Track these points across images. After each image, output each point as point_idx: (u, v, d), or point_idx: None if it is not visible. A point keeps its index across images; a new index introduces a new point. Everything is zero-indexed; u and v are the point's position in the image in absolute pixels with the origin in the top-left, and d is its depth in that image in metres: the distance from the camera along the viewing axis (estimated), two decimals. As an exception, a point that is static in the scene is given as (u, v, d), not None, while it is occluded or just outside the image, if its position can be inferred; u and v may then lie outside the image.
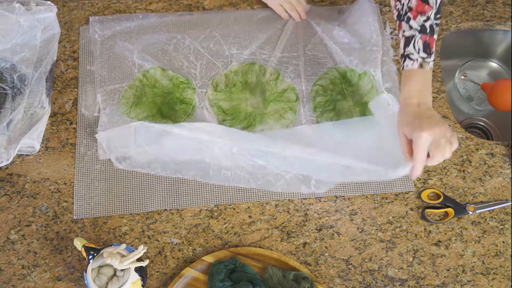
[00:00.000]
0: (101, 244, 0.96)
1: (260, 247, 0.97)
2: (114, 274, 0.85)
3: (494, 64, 1.34)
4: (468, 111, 1.34)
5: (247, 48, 1.15)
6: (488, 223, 1.01)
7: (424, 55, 0.88)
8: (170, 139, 1.01)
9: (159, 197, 1.00)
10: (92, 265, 0.85)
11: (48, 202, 0.99)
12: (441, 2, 0.90)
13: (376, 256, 0.97)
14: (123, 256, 0.84)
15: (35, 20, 1.11)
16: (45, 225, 0.97)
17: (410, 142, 0.86)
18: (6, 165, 1.01)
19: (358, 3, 1.18)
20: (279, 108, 1.09)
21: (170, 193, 1.01)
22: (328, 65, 1.14)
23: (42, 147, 1.04)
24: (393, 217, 1.01)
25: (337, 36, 1.16)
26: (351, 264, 0.97)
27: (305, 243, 0.98)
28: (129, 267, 0.84)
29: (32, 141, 1.01)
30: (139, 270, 0.86)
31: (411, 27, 0.89)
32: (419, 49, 0.88)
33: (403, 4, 0.91)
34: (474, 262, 0.98)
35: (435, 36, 0.90)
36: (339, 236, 0.99)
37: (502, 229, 1.01)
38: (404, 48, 0.90)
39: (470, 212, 1.00)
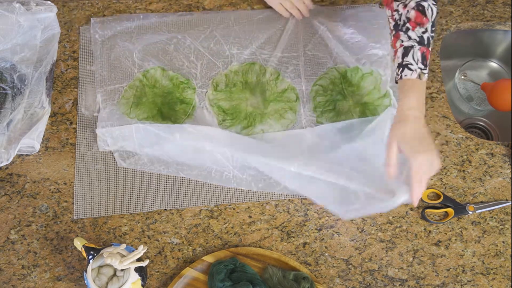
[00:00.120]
0: (101, 244, 0.96)
1: (260, 247, 0.97)
2: (114, 274, 0.85)
3: (494, 64, 1.34)
4: (468, 111, 1.34)
5: (247, 48, 1.15)
6: (488, 223, 1.01)
7: (422, 66, 0.89)
8: (170, 141, 1.01)
9: (159, 197, 1.00)
10: (92, 265, 0.85)
11: (48, 202, 0.99)
12: (436, 15, 0.90)
13: (376, 256, 0.97)
14: (123, 256, 0.84)
15: (35, 20, 1.11)
16: (45, 225, 0.97)
17: (396, 155, 0.86)
18: (6, 165, 1.01)
19: (366, 6, 1.20)
20: (279, 108, 1.09)
21: (170, 193, 1.01)
22: (328, 65, 1.14)
23: (42, 147, 1.04)
24: (393, 217, 1.01)
25: (343, 34, 1.17)
26: (351, 264, 0.97)
27: (305, 243, 0.98)
28: (129, 267, 0.84)
29: (32, 141, 1.01)
30: (139, 270, 0.86)
31: (409, 38, 0.89)
32: (417, 60, 0.89)
33: (401, 14, 0.91)
34: (474, 262, 0.98)
35: (430, 49, 0.91)
36: (339, 236, 0.99)
37: (502, 229, 1.01)
38: (403, 58, 0.90)
39: (470, 212, 1.00)
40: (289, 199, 1.01)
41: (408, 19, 0.89)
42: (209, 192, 1.01)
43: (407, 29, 0.90)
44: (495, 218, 1.01)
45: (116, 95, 1.09)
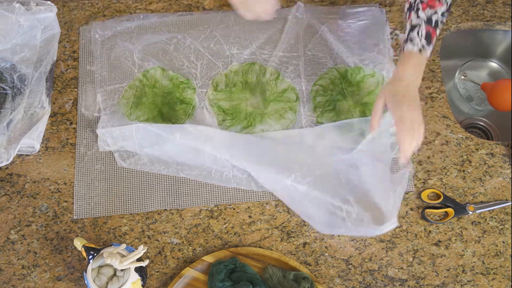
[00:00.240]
0: (101, 244, 0.96)
1: (260, 247, 0.97)
2: (114, 274, 0.85)
3: (494, 64, 1.34)
4: (468, 111, 1.34)
5: (247, 48, 1.15)
6: (488, 223, 1.01)
7: (425, 42, 0.92)
8: (170, 141, 1.01)
9: (159, 197, 1.00)
10: (92, 265, 0.85)
11: (48, 202, 0.99)
12: (451, 3, 0.94)
13: (376, 256, 0.97)
14: (123, 256, 0.84)
15: (35, 20, 1.11)
16: (45, 225, 0.97)
17: (382, 110, 0.94)
18: (6, 165, 1.01)
19: (366, 6, 1.20)
20: (279, 108, 1.09)
21: (170, 193, 1.01)
22: (328, 65, 1.14)
23: (42, 147, 1.04)
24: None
25: (343, 35, 1.17)
26: (351, 264, 0.97)
27: (305, 243, 0.98)
28: (129, 267, 0.84)
29: (32, 141, 1.01)
30: (139, 270, 0.86)
31: (418, 17, 0.93)
32: (421, 36, 0.92)
33: None
34: (474, 262, 0.98)
35: (438, 32, 0.94)
36: (339, 236, 0.99)
37: (502, 229, 1.01)
38: (408, 34, 0.94)
39: (470, 212, 1.00)
40: (289, 199, 1.01)
41: (421, 1, 0.93)
42: (209, 192, 1.01)
43: (418, 9, 0.93)
44: (495, 218, 1.01)
45: (116, 95, 1.09)
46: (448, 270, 0.97)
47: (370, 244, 0.98)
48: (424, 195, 1.02)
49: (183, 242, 0.97)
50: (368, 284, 0.95)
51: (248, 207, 1.00)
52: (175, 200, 1.00)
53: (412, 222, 1.00)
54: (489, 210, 1.02)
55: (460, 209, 1.00)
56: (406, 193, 1.03)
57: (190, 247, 0.97)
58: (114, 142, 1.02)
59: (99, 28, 1.15)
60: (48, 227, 0.97)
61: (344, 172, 1.00)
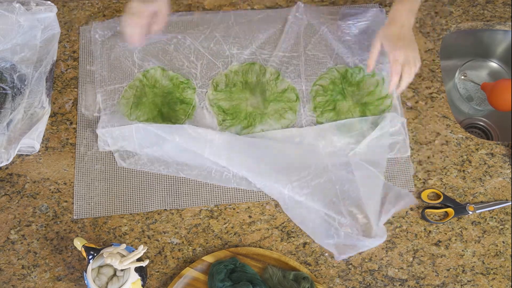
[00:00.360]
0: (101, 244, 0.96)
1: (260, 247, 0.97)
2: (114, 274, 0.85)
3: (494, 64, 1.34)
4: (468, 111, 1.34)
5: (247, 48, 1.15)
6: (488, 223, 1.01)
7: None
8: (170, 141, 1.01)
9: (159, 197, 1.00)
10: (92, 265, 0.85)
11: (48, 202, 0.99)
12: None
13: (376, 256, 0.97)
14: (123, 256, 0.84)
15: (35, 20, 1.11)
16: (45, 225, 0.97)
17: (378, 51, 1.04)
18: (6, 165, 1.01)
19: (366, 6, 1.21)
20: (279, 108, 1.09)
21: (170, 193, 1.01)
22: (328, 65, 1.14)
23: (42, 147, 1.04)
24: (393, 217, 1.00)
25: (343, 35, 1.17)
26: (351, 264, 0.97)
27: (305, 243, 0.98)
28: (129, 267, 0.84)
29: (32, 141, 1.01)
30: (139, 270, 0.86)
31: None
32: None
33: None
34: (474, 262, 0.98)
35: None
36: (339, 236, 0.99)
37: (502, 229, 1.01)
38: None
39: (470, 212, 1.00)
40: (289, 199, 1.01)
41: None
42: (209, 192, 1.01)
43: None
44: (495, 218, 1.01)
45: (116, 95, 1.09)
46: (448, 270, 0.97)
47: (370, 244, 0.98)
48: (424, 195, 1.02)
49: (183, 242, 0.97)
50: (368, 284, 0.95)
51: (248, 207, 1.00)
52: (175, 200, 1.00)
53: (412, 222, 1.00)
54: (489, 210, 1.02)
55: (460, 209, 1.00)
56: (406, 193, 1.03)
57: (190, 247, 0.97)
58: (114, 142, 1.02)
59: (99, 28, 1.15)
60: (48, 227, 0.97)
61: (340, 181, 1.01)
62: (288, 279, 0.91)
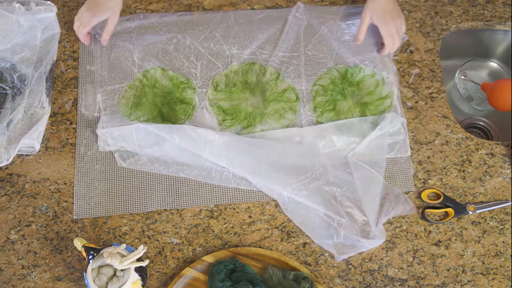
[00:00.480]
0: (101, 244, 0.96)
1: (260, 247, 0.97)
2: (114, 274, 0.85)
3: (494, 64, 1.34)
4: (468, 111, 1.34)
5: (247, 48, 1.15)
6: (488, 223, 1.01)
7: None
8: (170, 141, 1.01)
9: (159, 197, 1.00)
10: (92, 265, 0.85)
11: (48, 202, 0.99)
12: None
13: (376, 256, 0.97)
14: (123, 256, 0.84)
15: (35, 20, 1.11)
16: (45, 225, 0.97)
17: (367, 24, 1.12)
18: (6, 165, 1.01)
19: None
20: (279, 108, 1.09)
21: (170, 193, 1.01)
22: (328, 65, 1.14)
23: (42, 147, 1.03)
24: (393, 217, 1.00)
25: (343, 35, 1.17)
26: (351, 264, 0.97)
27: (305, 243, 0.98)
28: (129, 267, 0.84)
29: (32, 141, 1.01)
30: (139, 270, 0.86)
31: None
32: None
33: None
34: (474, 262, 0.98)
35: None
36: (339, 236, 0.99)
37: (502, 229, 1.01)
38: None
39: (470, 212, 1.00)
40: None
41: None
42: (209, 192, 1.01)
43: None
44: (495, 218, 1.01)
45: (116, 95, 1.09)
46: (448, 270, 0.97)
47: (370, 244, 0.98)
48: (424, 195, 1.02)
49: (183, 242, 0.97)
50: (368, 284, 0.95)
51: (248, 207, 1.00)
52: (175, 200, 1.00)
53: (412, 222, 1.00)
54: (489, 210, 1.02)
55: (460, 209, 1.00)
56: (406, 193, 1.03)
57: (190, 247, 0.97)
58: (114, 142, 1.02)
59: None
60: (48, 227, 0.97)
61: (338, 183, 1.01)
62: (288, 279, 0.91)
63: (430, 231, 1.00)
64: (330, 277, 0.95)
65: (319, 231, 0.98)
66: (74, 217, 0.98)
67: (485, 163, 1.06)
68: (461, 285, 0.96)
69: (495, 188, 1.04)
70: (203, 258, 0.94)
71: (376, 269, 0.97)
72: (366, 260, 0.97)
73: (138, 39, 1.15)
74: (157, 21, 1.17)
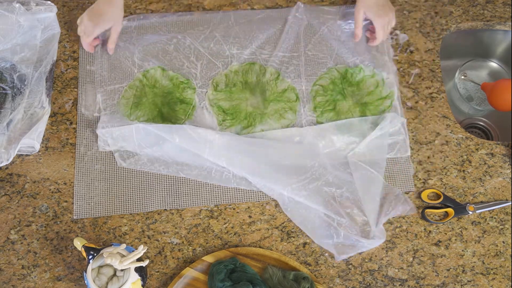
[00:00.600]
0: (101, 244, 0.96)
1: (260, 247, 0.97)
2: (114, 274, 0.85)
3: (494, 64, 1.34)
4: (468, 111, 1.34)
5: (247, 48, 1.15)
6: (488, 223, 1.01)
7: None
8: (170, 141, 1.01)
9: (159, 197, 1.00)
10: (92, 265, 0.85)
11: (48, 202, 0.99)
12: None
13: (376, 256, 0.97)
14: (123, 256, 0.84)
15: (35, 20, 1.11)
16: (45, 225, 0.97)
17: (362, 20, 1.14)
18: (6, 165, 1.01)
19: None
20: (279, 108, 1.09)
21: (170, 193, 1.01)
22: (328, 65, 1.14)
23: (42, 147, 1.03)
24: (393, 217, 1.00)
25: (343, 35, 1.17)
26: (351, 264, 0.97)
27: (305, 243, 0.98)
28: (129, 267, 0.84)
29: (32, 141, 1.01)
30: (139, 270, 0.86)
31: None
32: None
33: None
34: (474, 262, 0.98)
35: None
36: (339, 236, 0.99)
37: (502, 229, 1.01)
38: None
39: (470, 212, 1.00)
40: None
41: None
42: (209, 192, 1.01)
43: None
44: (495, 218, 1.01)
45: (116, 95, 1.09)
46: (448, 270, 0.97)
47: (370, 244, 0.98)
48: (424, 195, 1.02)
49: (183, 242, 0.97)
50: (368, 284, 0.95)
51: (248, 207, 1.00)
52: (175, 200, 1.00)
53: (412, 222, 1.00)
54: (489, 210, 1.02)
55: (460, 209, 1.00)
56: (406, 193, 1.03)
57: (190, 247, 0.97)
58: (114, 142, 1.02)
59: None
60: (48, 227, 0.97)
61: (338, 183, 1.01)
62: (288, 279, 0.91)
63: (430, 231, 1.00)
64: (330, 277, 0.95)
65: (319, 231, 0.98)
66: (74, 217, 0.98)
67: (485, 163, 1.06)
68: (461, 285, 0.96)
69: (495, 188, 1.04)
70: (203, 258, 0.94)
71: (376, 269, 0.97)
72: (366, 260, 0.97)
73: (138, 39, 1.15)
74: (157, 21, 1.17)
